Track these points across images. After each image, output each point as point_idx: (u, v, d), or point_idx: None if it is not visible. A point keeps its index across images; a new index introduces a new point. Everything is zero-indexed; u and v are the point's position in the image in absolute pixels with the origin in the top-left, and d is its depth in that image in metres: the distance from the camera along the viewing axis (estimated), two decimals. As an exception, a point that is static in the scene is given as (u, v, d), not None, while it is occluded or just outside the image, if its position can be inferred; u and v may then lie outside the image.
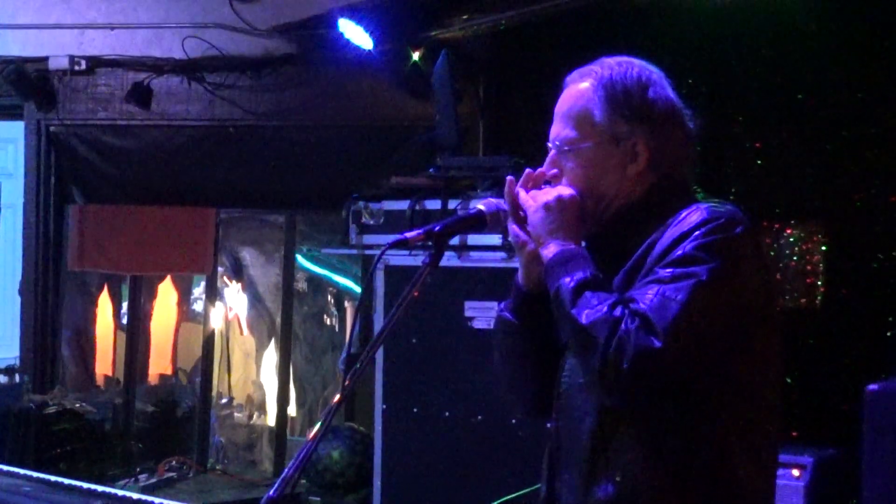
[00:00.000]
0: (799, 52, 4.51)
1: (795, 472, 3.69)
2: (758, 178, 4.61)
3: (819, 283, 4.48)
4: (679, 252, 2.02)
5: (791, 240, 4.53)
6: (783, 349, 2.16)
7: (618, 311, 1.97)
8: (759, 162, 4.61)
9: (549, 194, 2.20)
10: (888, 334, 4.23)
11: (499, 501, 4.21)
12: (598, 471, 2.12)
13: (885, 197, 4.34)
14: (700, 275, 1.98)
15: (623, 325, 1.96)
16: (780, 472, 3.68)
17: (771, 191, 4.58)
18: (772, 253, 4.51)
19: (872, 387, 3.07)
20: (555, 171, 2.24)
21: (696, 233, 2.03)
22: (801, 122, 4.54)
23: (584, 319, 2.02)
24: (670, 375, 1.98)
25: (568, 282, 2.08)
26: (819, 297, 4.49)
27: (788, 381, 4.40)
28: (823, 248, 4.49)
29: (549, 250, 2.15)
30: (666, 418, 2.05)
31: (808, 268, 4.49)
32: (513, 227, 2.25)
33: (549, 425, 2.30)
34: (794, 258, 4.51)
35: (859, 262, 4.41)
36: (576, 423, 2.18)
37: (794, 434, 4.01)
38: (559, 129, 2.23)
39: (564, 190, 2.20)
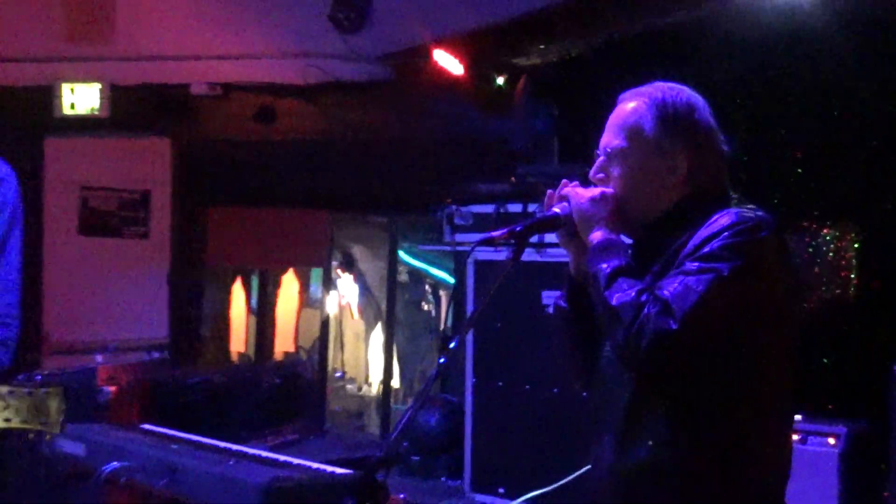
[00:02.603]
0: (834, 72, 4.45)
1: (831, 441, 3.66)
2: (798, 184, 4.55)
3: (853, 276, 4.43)
4: (706, 249, 2.01)
5: (827, 238, 4.48)
6: (797, 340, 2.14)
7: (643, 297, 1.98)
8: (798, 170, 4.56)
9: (594, 191, 2.20)
10: (915, 320, 4.20)
11: (555, 485, 4.26)
12: (632, 437, 2.12)
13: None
14: (722, 270, 1.97)
15: (646, 309, 1.96)
16: (818, 440, 3.71)
17: (810, 195, 4.52)
18: (810, 250, 4.48)
19: (898, 366, 3.05)
20: (601, 175, 2.23)
21: (724, 234, 2.02)
22: (836, 134, 4.48)
23: (614, 301, 2.03)
24: (682, 356, 1.98)
25: (605, 267, 2.09)
26: (852, 289, 4.43)
27: (825, 361, 4.40)
28: (856, 245, 4.43)
29: (594, 237, 2.15)
30: (691, 395, 2.05)
31: (843, 263, 4.45)
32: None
33: (584, 395, 2.33)
34: (830, 254, 4.46)
35: (889, 259, 4.35)
36: (613, 396, 2.18)
37: (830, 407, 3.98)
38: (610, 139, 2.23)
39: (606, 189, 2.20)
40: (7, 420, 2.25)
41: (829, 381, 4.21)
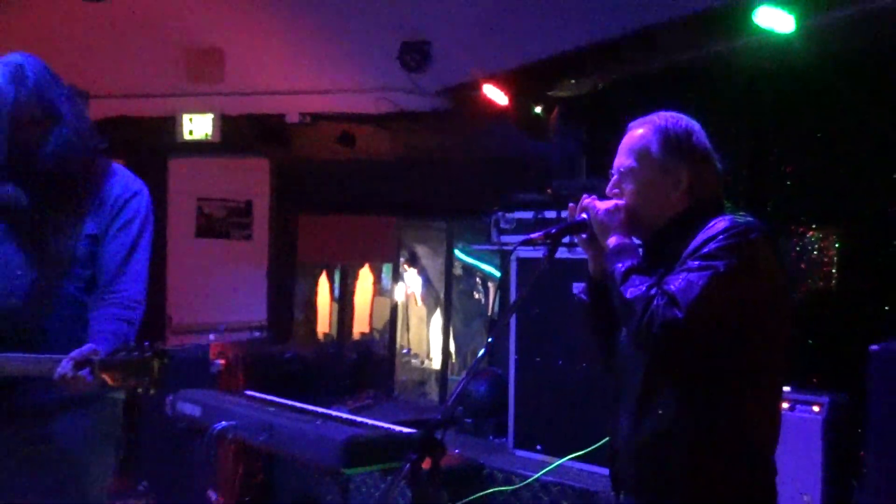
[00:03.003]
0: (818, 100, 4.42)
1: (816, 409, 3.61)
2: (788, 195, 4.49)
3: (833, 271, 4.37)
4: (705, 250, 2.01)
5: (812, 239, 4.43)
6: (788, 326, 2.12)
7: (653, 291, 1.97)
8: (788, 183, 4.50)
9: (608, 203, 2.20)
10: (886, 309, 4.13)
11: (576, 454, 4.26)
12: (646, 410, 2.12)
13: (882, 208, 4.24)
14: (719, 267, 1.96)
15: (655, 301, 1.96)
16: (804, 408, 3.66)
17: (798, 204, 4.46)
18: (797, 249, 4.43)
19: (874, 347, 3.01)
20: (616, 190, 2.23)
21: (721, 237, 2.01)
22: (820, 153, 4.43)
23: (628, 295, 2.03)
24: (688, 340, 1.97)
25: (620, 266, 2.08)
26: (833, 282, 4.37)
27: (810, 342, 4.35)
28: (837, 245, 4.38)
29: (610, 241, 2.15)
30: (695, 373, 2.04)
31: (825, 260, 4.39)
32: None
33: (608, 370, 2.33)
34: (815, 253, 4.41)
35: (863, 257, 4.31)
36: (630, 376, 2.18)
37: (815, 380, 3.94)
38: (623, 160, 2.22)
39: (619, 201, 2.20)
40: (121, 381, 2.29)
41: (814, 359, 4.17)
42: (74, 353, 2.28)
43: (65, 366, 2.25)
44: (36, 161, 2.49)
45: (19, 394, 2.48)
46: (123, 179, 2.65)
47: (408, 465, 2.08)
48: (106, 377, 2.26)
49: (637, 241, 2.21)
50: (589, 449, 4.22)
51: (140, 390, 2.29)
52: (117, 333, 2.43)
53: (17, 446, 2.51)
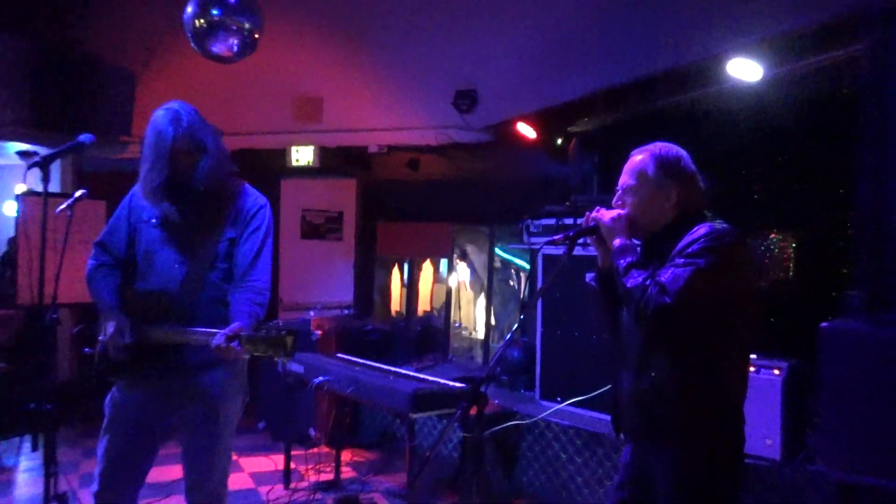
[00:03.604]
0: (779, 133, 4.34)
1: (776, 372, 3.54)
2: (756, 207, 4.45)
3: (791, 265, 4.30)
4: (689, 250, 2.00)
5: (774, 241, 4.36)
6: (756, 308, 2.10)
7: (648, 282, 1.96)
8: (755, 197, 4.46)
9: (613, 213, 2.19)
10: (833, 294, 4.04)
11: (583, 397, 4.22)
12: (643, 370, 2.11)
13: (829, 217, 4.17)
14: (700, 264, 1.95)
15: (649, 290, 1.95)
16: (767, 371, 3.59)
17: (764, 214, 4.40)
18: (762, 248, 4.36)
19: (824, 325, 2.94)
20: (620, 202, 2.22)
21: (702, 240, 2.00)
22: (781, 175, 4.39)
23: (629, 284, 2.02)
24: (674, 319, 1.95)
25: (622, 262, 2.08)
26: (791, 273, 4.29)
27: (772, 320, 4.27)
28: (794, 245, 4.30)
29: (615, 242, 2.13)
30: (681, 343, 2.03)
31: (785, 257, 4.32)
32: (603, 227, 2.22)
33: (613, 341, 2.31)
34: (776, 251, 4.34)
35: (814, 254, 4.23)
36: (630, 345, 2.17)
37: (776, 350, 3.87)
38: (626, 179, 2.21)
39: (622, 211, 2.19)
40: (262, 352, 2.33)
41: (775, 333, 4.10)
42: (226, 330, 2.33)
43: (219, 338, 2.30)
44: (189, 183, 2.54)
45: (179, 355, 2.55)
46: (252, 196, 2.70)
47: (459, 411, 2.11)
48: (250, 348, 2.30)
49: (637, 242, 2.20)
50: (590, 395, 4.22)
51: (275, 359, 2.33)
52: (252, 312, 2.47)
53: (179, 392, 2.58)
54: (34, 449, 5.11)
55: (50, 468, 2.35)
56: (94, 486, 2.60)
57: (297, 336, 2.32)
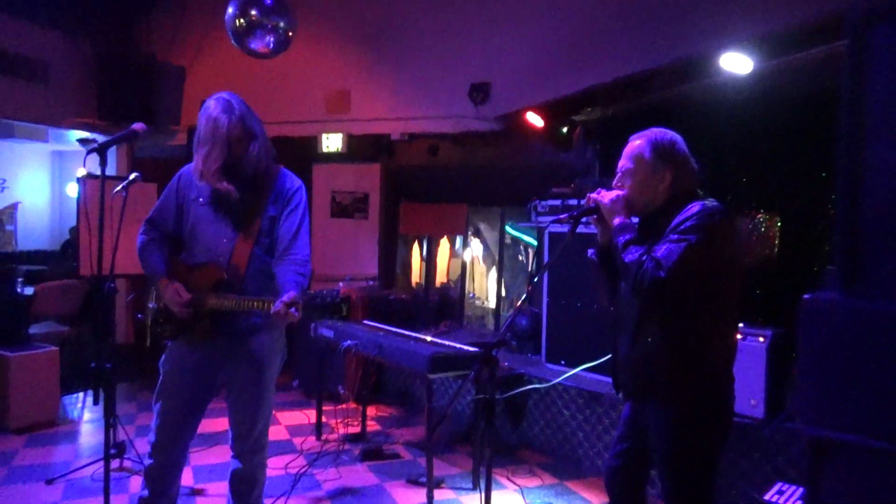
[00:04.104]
0: (765, 121, 4.26)
1: (761, 339, 3.52)
2: (744, 188, 4.36)
3: (776, 242, 4.24)
4: (682, 227, 1.97)
5: (761, 220, 4.29)
6: (741, 281, 2.07)
7: (644, 257, 1.95)
8: (744, 180, 4.38)
9: (613, 193, 2.17)
10: (815, 269, 3.99)
11: (585, 366, 4.21)
12: (639, 336, 2.10)
13: (812, 198, 4.08)
14: (691, 240, 1.93)
15: (645, 265, 1.93)
16: (753, 338, 3.56)
17: (751, 195, 4.32)
18: (750, 226, 4.31)
19: (806, 296, 2.90)
20: (619, 184, 2.19)
21: (694, 217, 1.98)
22: (767, 159, 4.29)
23: (627, 259, 2.01)
24: (668, 291, 1.93)
25: (621, 239, 2.06)
26: (776, 250, 4.23)
27: (758, 292, 4.23)
28: (779, 224, 4.23)
29: (615, 222, 2.11)
30: (674, 311, 2.01)
31: (770, 234, 4.25)
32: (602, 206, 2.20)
33: (612, 309, 2.31)
34: (763, 229, 4.28)
35: (798, 232, 4.15)
36: (627, 313, 2.15)
37: (760, 319, 3.84)
38: (624, 163, 2.18)
39: (621, 192, 2.16)
40: (317, 317, 2.34)
41: (761, 304, 4.08)
42: (284, 297, 2.34)
43: (278, 305, 2.31)
44: (241, 166, 2.54)
45: (229, 320, 2.58)
46: (290, 178, 2.70)
47: (473, 373, 2.12)
48: (309, 314, 2.33)
49: (635, 220, 2.17)
50: (596, 363, 4.20)
51: (330, 322, 2.35)
52: (299, 282, 2.48)
53: (229, 352, 2.62)
54: (95, 403, 5.21)
55: (110, 420, 2.39)
56: (152, 437, 2.64)
57: (350, 302, 2.33)
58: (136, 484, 3.54)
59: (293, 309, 2.31)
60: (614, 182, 2.21)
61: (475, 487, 3.75)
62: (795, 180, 4.17)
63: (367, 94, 6.02)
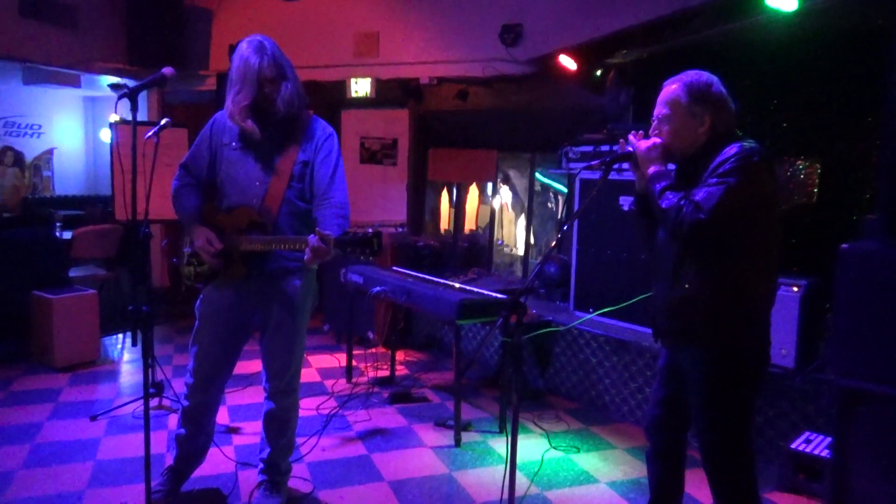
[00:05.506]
0: (806, 62, 4.11)
1: (795, 289, 3.48)
2: (783, 134, 4.22)
3: (815, 189, 4.12)
4: (721, 169, 1.94)
5: (800, 167, 4.17)
6: (777, 223, 2.04)
7: (682, 202, 1.93)
8: (784, 125, 4.24)
9: (650, 141, 2.13)
10: (854, 218, 3.89)
11: (623, 304, 4.20)
12: (676, 280, 2.09)
13: (852, 145, 3.95)
14: (730, 182, 1.91)
15: (684, 209, 1.92)
16: (786, 288, 3.52)
17: (791, 140, 4.19)
18: (788, 173, 4.19)
19: (844, 246, 2.84)
20: (656, 131, 2.15)
21: (732, 159, 1.95)
22: (808, 104, 4.14)
23: (664, 205, 1.99)
24: (707, 234, 1.92)
25: (657, 187, 2.04)
26: (815, 198, 4.12)
27: (793, 241, 4.15)
28: (819, 170, 4.11)
29: (651, 170, 2.09)
30: (712, 255, 2.00)
31: (809, 182, 4.14)
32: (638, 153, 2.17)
33: (643, 258, 2.30)
34: (801, 176, 4.16)
35: (837, 180, 4.02)
36: (664, 259, 2.14)
37: (796, 269, 3.77)
38: (660, 109, 2.14)
39: (657, 140, 2.13)
40: (350, 251, 2.37)
41: (796, 254, 4.00)
42: (321, 231, 2.36)
43: (312, 240, 2.33)
44: (272, 107, 2.54)
45: (262, 263, 2.62)
46: (321, 125, 2.69)
47: (501, 320, 2.13)
48: (342, 249, 2.34)
49: (672, 167, 2.15)
50: (618, 306, 4.21)
51: (362, 258, 2.38)
52: (339, 224, 2.52)
53: (263, 295, 2.67)
54: (134, 344, 5.38)
55: (148, 360, 2.47)
56: (189, 380, 2.73)
57: (381, 237, 2.36)
58: (173, 421, 3.68)
59: (327, 245, 2.32)
60: (651, 129, 2.16)
61: (501, 431, 3.83)
62: (838, 125, 4.02)
63: (395, 36, 5.93)
